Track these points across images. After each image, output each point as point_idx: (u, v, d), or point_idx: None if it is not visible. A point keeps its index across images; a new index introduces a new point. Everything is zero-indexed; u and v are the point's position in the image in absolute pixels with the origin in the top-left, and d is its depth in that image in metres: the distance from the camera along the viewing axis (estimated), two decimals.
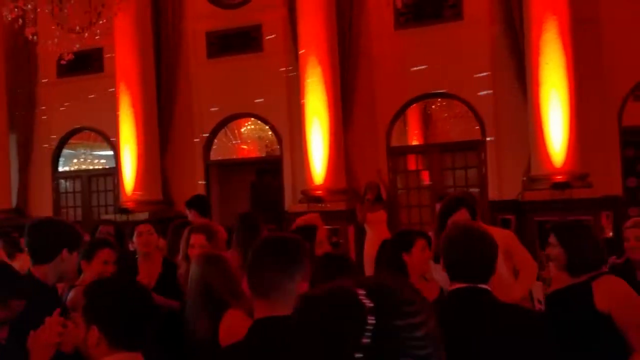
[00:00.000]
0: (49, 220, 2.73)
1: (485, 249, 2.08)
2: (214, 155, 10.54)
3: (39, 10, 7.12)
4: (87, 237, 3.88)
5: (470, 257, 2.04)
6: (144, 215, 9.17)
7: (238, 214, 4.18)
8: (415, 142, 10.16)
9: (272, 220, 8.73)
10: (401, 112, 9.39)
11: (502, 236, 3.65)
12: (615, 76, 8.04)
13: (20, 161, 11.46)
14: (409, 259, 3.10)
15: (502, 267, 3.47)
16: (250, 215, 4.16)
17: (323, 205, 8.36)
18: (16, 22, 6.62)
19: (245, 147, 10.90)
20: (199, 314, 2.64)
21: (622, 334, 2.44)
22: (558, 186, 7.28)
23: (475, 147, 8.94)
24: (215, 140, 10.51)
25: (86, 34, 7.60)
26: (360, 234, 7.93)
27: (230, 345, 1.78)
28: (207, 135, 10.34)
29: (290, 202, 9.48)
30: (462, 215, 3.30)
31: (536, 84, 7.66)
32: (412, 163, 9.61)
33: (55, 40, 7.25)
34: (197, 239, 3.40)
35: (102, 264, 3.33)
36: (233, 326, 2.46)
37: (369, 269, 6.54)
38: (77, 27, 7.42)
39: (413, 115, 10.35)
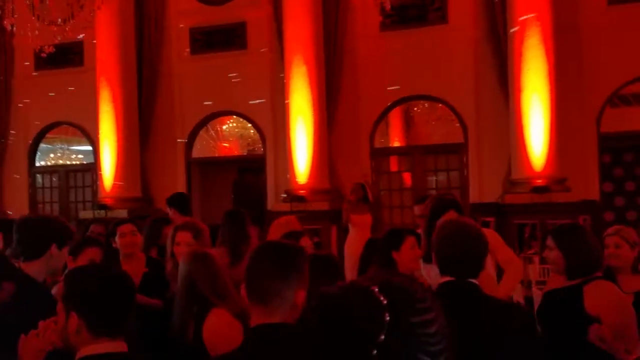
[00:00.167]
0: (38, 216, 2.74)
1: (476, 245, 2.12)
2: (196, 153, 10.39)
3: (17, 0, 6.90)
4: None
5: (461, 252, 2.07)
6: (122, 212, 9.05)
7: (225, 211, 4.13)
8: (397, 144, 10.19)
9: (254, 219, 8.62)
10: (385, 114, 9.41)
11: (487, 235, 3.74)
12: (594, 83, 8.18)
13: None
14: (398, 257, 3.11)
15: (489, 265, 3.50)
16: (237, 212, 4.11)
17: (306, 205, 8.31)
18: None
19: (226, 145, 10.77)
20: (183, 312, 2.61)
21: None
22: (538, 190, 7.38)
23: (457, 149, 9.00)
24: (197, 138, 10.36)
25: (67, 28, 7.45)
26: (343, 235, 7.90)
27: (226, 353, 1.75)
28: (189, 132, 10.19)
29: (273, 202, 9.40)
30: (450, 217, 3.26)
31: (518, 89, 7.76)
32: (394, 164, 9.63)
33: (36, 32, 7.05)
34: (183, 237, 3.34)
35: (87, 262, 3.20)
36: (216, 326, 2.43)
37: (348, 270, 6.52)
38: (59, 20, 7.28)
39: (395, 117, 10.37)
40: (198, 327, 2.49)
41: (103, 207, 9.55)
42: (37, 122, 11.00)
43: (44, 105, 10.77)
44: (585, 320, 2.44)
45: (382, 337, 0.78)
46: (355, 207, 7.17)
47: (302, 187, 8.59)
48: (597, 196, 8.16)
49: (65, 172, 11.35)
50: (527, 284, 6.46)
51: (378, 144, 9.52)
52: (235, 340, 1.84)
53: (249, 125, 10.19)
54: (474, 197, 8.62)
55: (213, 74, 9.81)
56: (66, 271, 1.83)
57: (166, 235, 4.35)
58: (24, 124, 11.09)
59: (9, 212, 11.02)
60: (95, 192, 10.41)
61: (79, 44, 10.27)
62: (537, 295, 5.31)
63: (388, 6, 7.31)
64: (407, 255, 3.14)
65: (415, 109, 10.55)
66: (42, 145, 11.49)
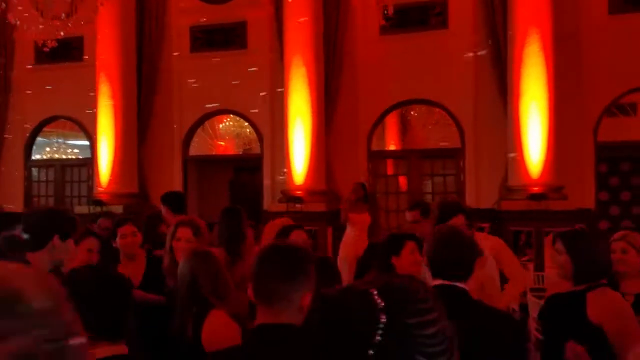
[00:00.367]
0: (43, 207, 2.80)
1: (466, 250, 2.15)
2: (193, 151, 10.18)
3: None
4: None
5: (451, 256, 2.11)
6: (117, 208, 8.91)
7: (222, 208, 4.01)
8: (392, 147, 10.01)
9: (250, 218, 8.45)
10: (383, 117, 9.23)
11: (492, 243, 3.65)
12: (592, 92, 8.04)
13: None
14: (398, 262, 3.03)
15: (494, 271, 3.35)
16: (233, 210, 3.99)
17: (302, 205, 8.12)
18: None
19: (222, 143, 10.56)
20: (184, 311, 2.54)
21: (612, 347, 2.36)
22: (535, 197, 7.21)
23: (454, 154, 8.82)
24: (195, 137, 10.15)
25: (70, 24, 7.43)
26: (339, 236, 7.73)
27: (226, 349, 1.74)
28: (187, 130, 9.98)
29: (269, 201, 9.21)
30: (459, 221, 3.19)
31: (517, 96, 7.62)
32: (391, 168, 9.45)
33: (40, 26, 7.02)
34: (184, 233, 3.28)
35: (86, 252, 3.36)
36: (215, 327, 2.38)
37: (344, 271, 6.39)
38: (63, 15, 7.24)
39: (392, 120, 10.20)
40: (197, 327, 2.42)
41: (98, 202, 9.34)
42: (35, 116, 10.76)
43: (43, 99, 10.54)
44: (587, 328, 2.37)
45: (378, 338, 0.78)
46: (354, 206, 7.03)
47: (299, 187, 8.41)
48: (593, 205, 7.99)
49: (62, 167, 11.10)
50: (523, 293, 6.28)
51: (375, 146, 9.34)
52: (233, 342, 1.82)
53: (246, 124, 9.99)
54: (470, 202, 8.41)
55: (212, 72, 9.62)
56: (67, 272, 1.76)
57: (161, 232, 4.31)
58: (22, 117, 10.85)
59: (9, 206, 10.80)
60: (90, 187, 10.18)
61: (79, 39, 10.08)
62: (532, 302, 5.19)
63: (391, 11, 7.16)
64: (407, 260, 3.05)
65: (412, 112, 10.38)
66: (39, 139, 11.24)
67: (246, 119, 9.85)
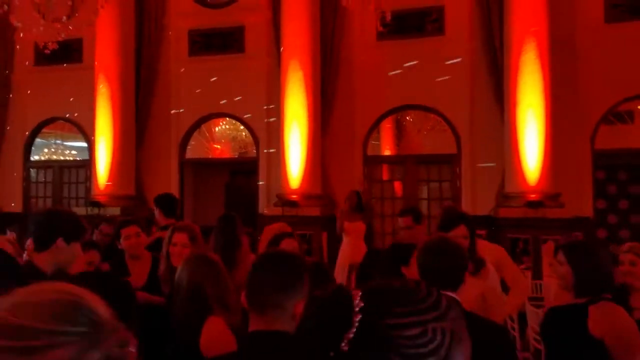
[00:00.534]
0: (50, 209, 2.67)
1: (456, 259, 2.14)
2: (189, 154, 9.93)
3: None
4: None
5: (442, 265, 2.10)
6: (115, 210, 8.77)
7: (219, 216, 3.91)
8: (388, 152, 9.76)
9: (245, 223, 8.22)
10: (379, 122, 8.98)
11: (493, 250, 3.52)
12: (589, 100, 7.80)
13: None
14: (408, 272, 2.88)
15: (495, 282, 3.28)
16: (229, 217, 3.86)
17: (297, 210, 7.87)
18: (0, 7, 6.21)
19: (218, 147, 10.31)
20: (186, 317, 2.44)
21: None
22: (532, 204, 6.96)
23: (450, 160, 8.56)
24: (191, 140, 9.91)
25: (70, 26, 7.44)
26: (333, 241, 7.48)
27: (222, 355, 1.73)
28: (184, 133, 9.74)
29: (264, 205, 8.95)
30: (460, 232, 3.02)
31: (513, 103, 7.40)
32: (387, 173, 9.20)
33: (41, 28, 6.93)
34: (180, 238, 3.25)
35: (85, 265, 3.28)
36: (214, 334, 2.32)
37: (339, 277, 6.20)
38: (64, 17, 7.20)
39: (387, 125, 9.95)
40: (196, 332, 2.35)
41: (96, 204, 9.14)
42: (34, 117, 10.53)
43: (42, 100, 10.32)
44: (588, 342, 2.29)
45: (350, 335, 0.80)
46: (348, 215, 6.84)
47: (294, 191, 8.16)
48: (591, 213, 7.72)
49: (60, 168, 10.84)
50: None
51: (371, 151, 9.08)
52: (230, 349, 1.81)
53: (242, 127, 9.75)
54: (466, 208, 8.10)
55: (210, 76, 9.41)
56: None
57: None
58: (21, 119, 10.61)
59: (11, 204, 10.59)
60: (88, 189, 9.96)
61: (79, 41, 9.87)
62: (530, 311, 4.98)
63: (388, 17, 6.98)
64: (416, 269, 2.87)
65: (408, 117, 10.12)
66: (38, 140, 11.00)
67: (242, 122, 9.61)
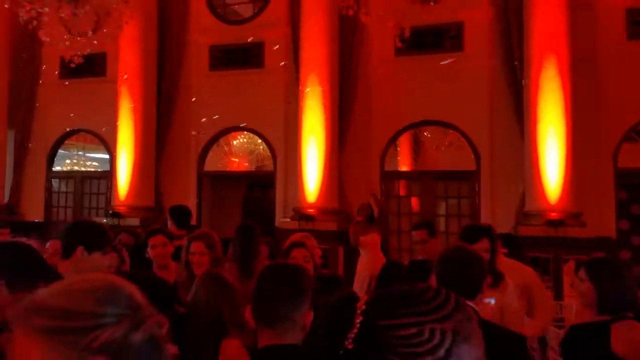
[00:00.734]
0: (78, 219, 2.70)
1: (474, 268, 2.09)
2: (207, 166, 9.80)
3: (48, 10, 6.65)
4: None
5: (459, 274, 2.05)
6: (134, 221, 8.71)
7: (237, 225, 3.83)
8: (405, 168, 9.51)
9: (263, 234, 8.06)
10: (396, 137, 8.75)
11: (524, 272, 3.38)
12: (611, 117, 7.49)
13: (16, 158, 10.71)
14: None
15: (514, 298, 3.10)
16: (248, 227, 3.75)
17: (314, 224, 7.65)
18: (30, 23, 6.36)
19: (236, 160, 10.17)
20: (203, 338, 2.39)
21: None
22: (552, 223, 6.65)
23: (470, 177, 8.28)
24: (210, 152, 9.78)
25: (95, 41, 7.56)
26: (350, 255, 7.24)
27: None
28: (203, 145, 9.62)
29: (281, 218, 8.74)
30: (482, 245, 2.85)
31: (534, 120, 7.13)
32: (404, 189, 8.93)
33: (67, 43, 7.11)
34: (197, 247, 3.27)
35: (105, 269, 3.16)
36: (231, 356, 2.28)
37: (359, 289, 6.01)
38: (89, 32, 7.19)
39: (405, 141, 9.71)
40: (213, 355, 2.31)
41: (116, 214, 9.06)
42: (58, 129, 10.52)
43: (66, 113, 10.29)
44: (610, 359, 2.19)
45: (352, 335, 0.81)
46: (363, 228, 6.58)
47: (311, 205, 7.96)
48: (614, 233, 7.35)
49: (81, 178, 10.79)
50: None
51: (389, 167, 8.84)
52: None
53: (259, 141, 9.60)
54: None
55: (229, 90, 9.31)
56: None
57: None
58: (46, 129, 10.60)
59: (38, 213, 10.59)
60: (109, 200, 9.88)
61: (102, 55, 9.86)
62: (551, 331, 4.74)
63: (407, 34, 6.83)
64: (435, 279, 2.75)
65: (426, 133, 9.86)
66: (60, 151, 10.98)
67: (261, 136, 9.46)
